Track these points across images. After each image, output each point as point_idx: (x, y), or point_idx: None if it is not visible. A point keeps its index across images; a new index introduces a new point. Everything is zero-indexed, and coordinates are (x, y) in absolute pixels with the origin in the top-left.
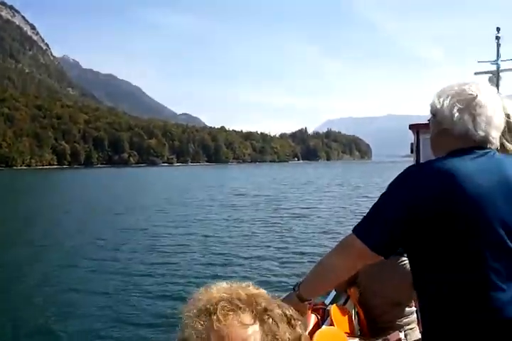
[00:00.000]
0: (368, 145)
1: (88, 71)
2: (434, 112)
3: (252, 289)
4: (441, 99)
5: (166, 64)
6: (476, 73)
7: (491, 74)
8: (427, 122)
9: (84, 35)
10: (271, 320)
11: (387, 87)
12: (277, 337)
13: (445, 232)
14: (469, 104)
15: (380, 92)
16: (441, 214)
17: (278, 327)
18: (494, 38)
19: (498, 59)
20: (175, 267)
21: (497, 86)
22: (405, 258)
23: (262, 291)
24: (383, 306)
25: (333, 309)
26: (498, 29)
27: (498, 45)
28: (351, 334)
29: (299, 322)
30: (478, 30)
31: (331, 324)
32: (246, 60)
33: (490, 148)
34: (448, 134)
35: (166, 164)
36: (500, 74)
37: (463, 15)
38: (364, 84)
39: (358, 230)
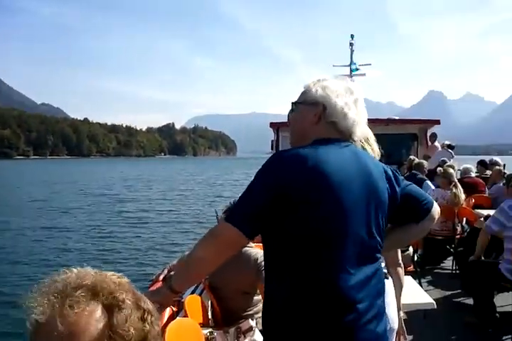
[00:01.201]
0: (233, 142)
1: None
2: (318, 101)
3: (114, 277)
4: (329, 92)
5: (29, 51)
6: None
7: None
8: (286, 121)
9: None
10: (118, 311)
11: (252, 85)
12: (119, 330)
13: (304, 218)
14: (356, 102)
15: (246, 90)
16: (304, 200)
17: (126, 320)
18: (348, 44)
19: (351, 64)
20: None
21: None
22: (247, 248)
23: (124, 280)
24: (231, 295)
25: (188, 300)
26: (352, 36)
27: (352, 51)
28: (205, 325)
29: (153, 318)
30: (334, 35)
31: (185, 315)
32: (117, 52)
33: (351, 142)
34: (332, 126)
35: (21, 157)
36: (354, 78)
37: (320, 20)
38: (232, 82)
39: (232, 218)
